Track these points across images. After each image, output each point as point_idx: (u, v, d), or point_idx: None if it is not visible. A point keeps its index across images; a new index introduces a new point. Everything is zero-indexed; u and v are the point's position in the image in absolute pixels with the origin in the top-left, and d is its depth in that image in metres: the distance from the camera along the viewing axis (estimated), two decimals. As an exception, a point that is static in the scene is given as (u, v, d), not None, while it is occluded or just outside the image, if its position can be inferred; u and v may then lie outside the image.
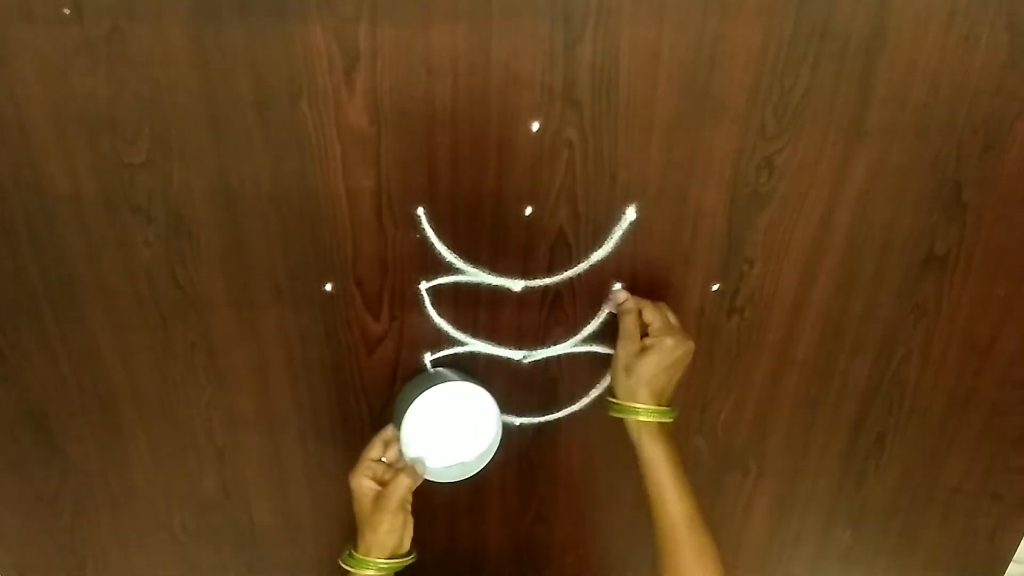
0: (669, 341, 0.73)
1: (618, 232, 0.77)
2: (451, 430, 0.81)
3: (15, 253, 0.76)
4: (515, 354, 0.84)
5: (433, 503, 0.95)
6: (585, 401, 0.88)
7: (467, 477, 0.82)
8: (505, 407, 0.88)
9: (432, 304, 0.80)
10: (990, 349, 0.86)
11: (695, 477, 0.94)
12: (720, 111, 0.70)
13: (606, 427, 0.90)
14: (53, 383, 0.84)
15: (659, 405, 0.74)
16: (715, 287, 0.81)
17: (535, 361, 0.85)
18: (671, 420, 0.75)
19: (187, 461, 0.91)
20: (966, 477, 0.96)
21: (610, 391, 0.78)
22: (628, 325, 0.76)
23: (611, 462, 0.92)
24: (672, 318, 0.76)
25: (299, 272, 0.78)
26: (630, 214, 0.76)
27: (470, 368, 0.84)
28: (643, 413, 0.74)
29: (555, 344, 0.84)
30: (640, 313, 0.76)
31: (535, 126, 0.70)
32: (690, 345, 0.75)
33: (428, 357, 0.83)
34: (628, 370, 0.75)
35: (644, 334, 0.76)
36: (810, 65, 0.68)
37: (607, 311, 0.80)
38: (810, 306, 0.82)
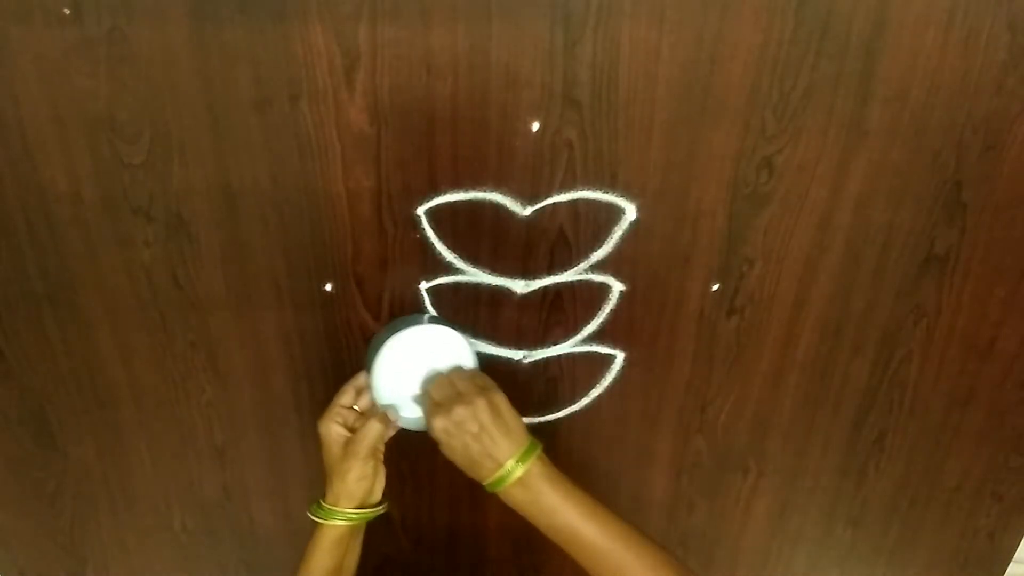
0: (437, 423, 0.69)
1: (618, 232, 0.77)
2: (425, 377, 0.78)
3: (15, 253, 0.76)
4: (515, 354, 0.84)
5: (434, 502, 0.95)
6: (585, 401, 0.88)
7: None
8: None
9: (432, 304, 0.80)
10: (990, 349, 0.86)
11: (695, 477, 0.94)
12: (720, 111, 0.70)
13: (606, 427, 0.90)
14: (53, 383, 0.84)
15: (505, 459, 0.68)
16: (715, 287, 0.81)
17: (535, 361, 0.85)
18: (534, 457, 0.68)
19: (187, 461, 0.91)
20: (966, 477, 0.96)
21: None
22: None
23: (611, 462, 0.92)
24: (439, 391, 0.72)
25: (299, 272, 0.78)
26: (630, 214, 0.76)
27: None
28: (498, 481, 0.68)
29: (555, 344, 0.84)
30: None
31: (535, 126, 0.70)
32: (458, 409, 0.68)
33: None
34: (456, 460, 0.70)
35: None
36: (810, 65, 0.68)
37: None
38: (810, 306, 0.82)
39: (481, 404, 0.69)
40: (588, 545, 0.66)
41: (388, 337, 0.75)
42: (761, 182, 0.74)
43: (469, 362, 0.78)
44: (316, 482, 0.92)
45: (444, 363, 0.78)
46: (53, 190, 0.72)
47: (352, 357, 0.83)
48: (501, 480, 0.68)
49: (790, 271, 0.80)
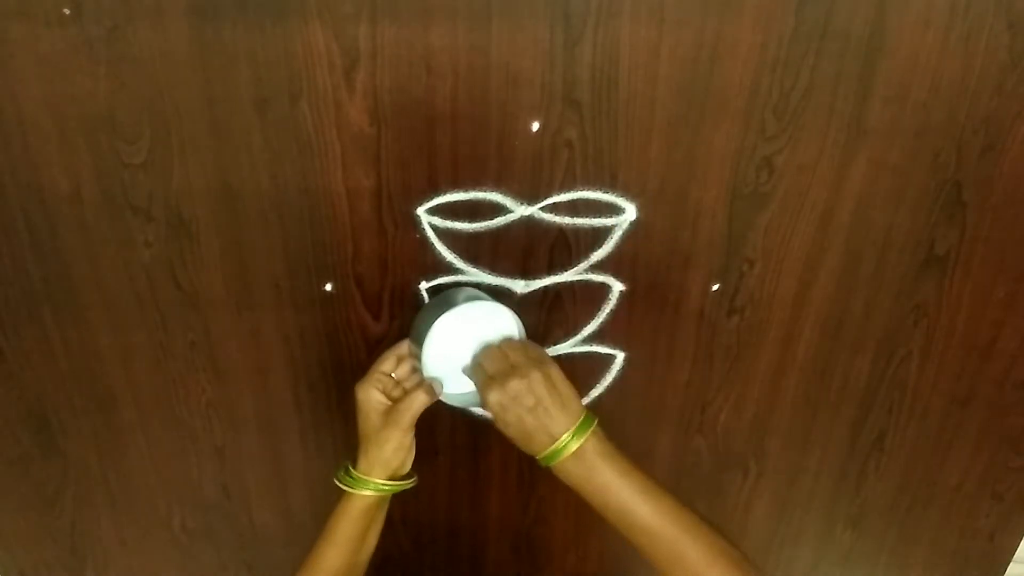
0: (492, 397, 0.67)
1: (618, 232, 0.77)
2: (472, 353, 0.76)
3: (15, 253, 0.76)
4: (515, 354, 0.84)
5: (434, 502, 0.95)
6: (585, 401, 0.88)
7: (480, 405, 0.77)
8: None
9: (432, 304, 0.80)
10: (990, 349, 0.86)
11: (695, 477, 0.94)
12: (720, 111, 0.70)
13: (606, 427, 0.90)
14: (53, 383, 0.84)
15: (560, 433, 0.65)
16: (715, 287, 0.81)
17: (535, 361, 0.85)
18: (589, 431, 0.66)
19: (187, 461, 0.91)
20: (966, 477, 0.96)
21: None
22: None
23: (611, 462, 0.92)
24: (492, 363, 0.70)
25: (299, 272, 0.78)
26: (630, 214, 0.76)
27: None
28: (552, 455, 0.66)
29: (555, 344, 0.84)
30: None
31: (535, 126, 0.70)
32: (513, 383, 0.66)
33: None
34: (511, 435, 0.68)
35: None
36: (810, 65, 0.68)
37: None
38: (810, 306, 0.82)
39: (536, 377, 0.66)
40: (642, 525, 0.64)
41: (443, 309, 0.73)
42: (761, 182, 0.75)
43: None
44: (316, 482, 0.92)
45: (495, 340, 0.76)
46: (53, 190, 0.72)
47: (352, 357, 0.83)
48: (555, 454, 0.65)
49: (790, 271, 0.80)
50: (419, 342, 0.74)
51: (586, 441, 0.65)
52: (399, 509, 0.96)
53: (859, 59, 0.68)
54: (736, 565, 0.63)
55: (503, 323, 0.76)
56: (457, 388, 0.77)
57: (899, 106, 0.71)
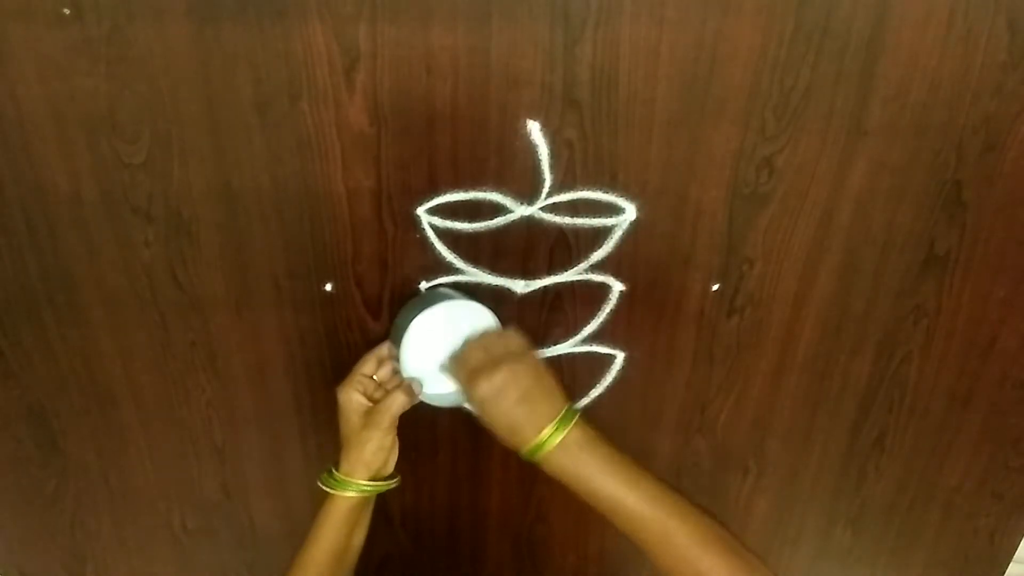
0: (478, 391, 0.66)
1: (618, 232, 0.77)
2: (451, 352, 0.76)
3: (15, 253, 0.76)
4: (515, 354, 0.84)
5: (434, 501, 0.95)
6: (585, 401, 0.88)
7: (462, 404, 0.78)
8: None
9: (432, 304, 0.80)
10: (990, 349, 0.86)
11: (695, 477, 0.94)
12: (720, 111, 0.70)
13: (606, 427, 0.90)
14: (53, 383, 0.84)
15: (545, 424, 0.64)
16: (715, 287, 0.81)
17: (535, 361, 0.85)
18: (572, 422, 0.65)
19: (187, 461, 0.91)
20: (966, 477, 0.96)
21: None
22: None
23: (611, 462, 0.92)
24: (475, 357, 0.68)
25: (299, 272, 0.78)
26: (630, 214, 0.76)
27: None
28: (536, 448, 0.64)
29: (555, 344, 0.84)
30: None
31: (535, 126, 0.70)
32: (498, 375, 0.65)
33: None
34: (496, 428, 0.67)
35: None
36: (810, 65, 0.68)
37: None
38: (810, 306, 0.82)
39: (521, 369, 0.66)
40: (630, 513, 0.63)
41: (421, 309, 0.74)
42: (761, 182, 0.75)
43: None
44: (316, 482, 0.92)
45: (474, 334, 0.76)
46: (53, 190, 0.72)
47: (352, 357, 0.83)
48: (539, 447, 0.64)
49: (790, 271, 0.80)
50: (398, 343, 0.74)
51: (570, 432, 0.65)
52: (399, 509, 0.96)
53: (859, 59, 0.68)
54: (732, 551, 0.61)
55: (481, 322, 0.76)
56: (438, 388, 0.77)
57: (899, 106, 0.71)
